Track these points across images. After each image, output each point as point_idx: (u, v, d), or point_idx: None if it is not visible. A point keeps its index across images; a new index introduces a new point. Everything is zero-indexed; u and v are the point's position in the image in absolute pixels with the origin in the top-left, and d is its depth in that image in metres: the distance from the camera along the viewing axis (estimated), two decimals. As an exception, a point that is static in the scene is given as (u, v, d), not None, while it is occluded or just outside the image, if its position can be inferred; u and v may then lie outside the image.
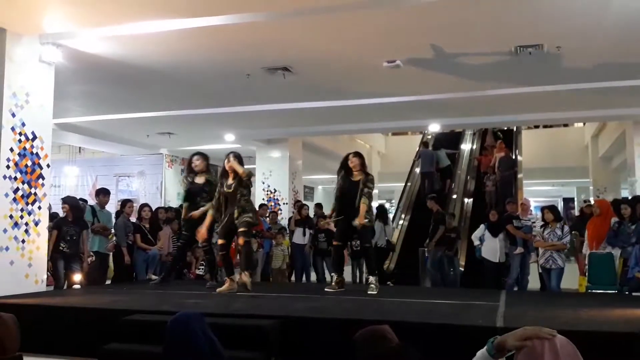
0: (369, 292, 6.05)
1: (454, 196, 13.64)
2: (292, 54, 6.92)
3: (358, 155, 6.47)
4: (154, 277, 8.48)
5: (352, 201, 6.29)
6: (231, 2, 5.46)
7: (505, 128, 16.12)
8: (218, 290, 6.26)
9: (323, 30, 6.15)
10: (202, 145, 12.88)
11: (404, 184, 15.18)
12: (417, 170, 14.44)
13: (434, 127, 11.91)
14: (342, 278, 6.53)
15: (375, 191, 18.17)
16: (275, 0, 5.42)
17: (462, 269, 10.47)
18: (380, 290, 6.16)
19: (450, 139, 15.70)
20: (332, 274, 6.67)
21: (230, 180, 6.28)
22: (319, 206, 12.08)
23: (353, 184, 6.34)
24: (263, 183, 13.25)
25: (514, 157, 14.67)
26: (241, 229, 6.13)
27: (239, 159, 6.32)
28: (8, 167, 6.01)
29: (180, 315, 2.50)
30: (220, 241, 6.46)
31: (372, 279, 6.32)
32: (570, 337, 1.71)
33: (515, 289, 8.63)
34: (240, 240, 6.16)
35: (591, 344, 3.02)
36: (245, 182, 6.26)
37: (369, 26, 6.04)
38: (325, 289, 6.40)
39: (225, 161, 6.31)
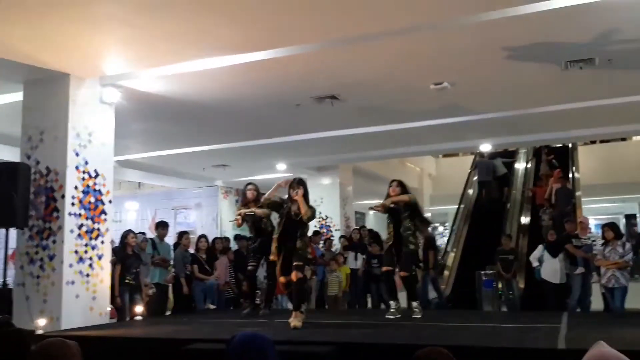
0: (413, 317, 6.22)
1: (510, 218, 13.37)
2: (339, 82, 7.04)
3: (399, 184, 6.63)
4: (212, 306, 8.65)
5: (397, 227, 6.42)
6: (278, 36, 5.62)
7: (560, 145, 15.77)
8: (293, 325, 5.67)
9: (369, 56, 6.25)
10: (255, 175, 13.13)
11: (457, 206, 15.01)
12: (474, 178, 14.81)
13: (486, 147, 11.76)
14: (399, 304, 6.57)
15: (427, 214, 18.09)
16: (321, 31, 5.56)
17: (521, 291, 10.23)
18: (438, 314, 6.12)
19: (504, 153, 15.46)
20: (390, 301, 6.64)
21: (296, 207, 5.95)
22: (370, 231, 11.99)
23: (395, 209, 6.47)
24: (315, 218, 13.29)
25: (570, 175, 14.30)
26: (296, 263, 5.83)
27: (304, 188, 6.04)
28: (73, 204, 6.30)
29: (246, 334, 2.52)
30: (282, 279, 6.09)
31: (414, 304, 6.44)
32: (636, 358, 1.70)
33: (578, 310, 8.36)
34: (294, 276, 5.82)
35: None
36: (306, 220, 6.01)
37: (414, 49, 6.09)
38: (387, 316, 6.41)
39: (293, 193, 5.97)
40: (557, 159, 14.55)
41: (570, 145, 15.61)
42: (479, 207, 14.31)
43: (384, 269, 6.65)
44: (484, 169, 14.02)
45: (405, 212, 6.43)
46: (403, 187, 6.57)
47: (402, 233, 6.39)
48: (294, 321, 5.70)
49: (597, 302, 8.60)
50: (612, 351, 1.79)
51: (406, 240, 6.35)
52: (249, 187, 7.28)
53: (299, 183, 6.05)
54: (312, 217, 6.01)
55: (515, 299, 9.90)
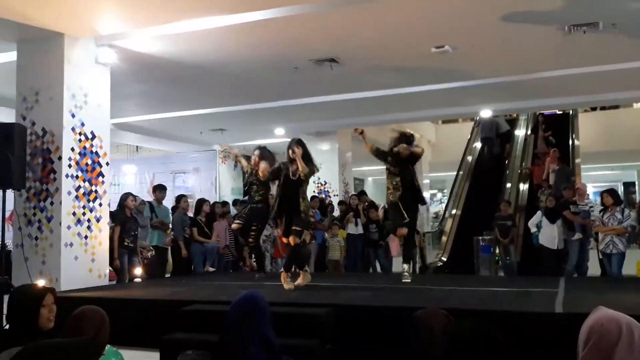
0: (403, 281, 6.02)
1: (508, 184, 13.36)
2: (338, 45, 6.93)
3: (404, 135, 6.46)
4: (211, 269, 8.70)
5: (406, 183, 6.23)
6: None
7: (560, 112, 15.66)
8: (295, 284, 5.84)
9: (369, 18, 6.13)
10: (253, 140, 13.03)
11: (455, 173, 14.99)
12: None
13: (486, 113, 11.67)
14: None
15: (426, 181, 18.07)
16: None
17: (519, 258, 10.28)
18: (435, 278, 6.12)
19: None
20: (403, 264, 6.44)
21: (294, 168, 5.93)
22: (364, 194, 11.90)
23: (404, 165, 6.28)
24: (313, 175, 13.28)
25: (570, 142, 14.24)
26: (295, 227, 5.85)
27: (303, 147, 6.00)
28: (70, 166, 6.27)
29: (247, 293, 2.56)
30: (284, 240, 6.12)
31: (405, 267, 6.26)
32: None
33: (575, 275, 8.41)
34: (292, 240, 5.87)
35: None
36: (305, 178, 6.00)
37: (414, 12, 5.98)
38: (403, 281, 6.12)
39: (290, 151, 5.94)
40: (556, 129, 14.46)
41: (571, 112, 15.51)
42: (480, 166, 14.51)
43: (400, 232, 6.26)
44: (487, 125, 14.28)
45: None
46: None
47: (414, 183, 6.27)
48: (301, 280, 5.89)
49: (594, 268, 8.65)
50: (616, 313, 1.77)
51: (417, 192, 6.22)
52: (255, 152, 7.03)
53: (298, 143, 6.00)
54: (311, 173, 5.99)
55: (512, 265, 9.97)
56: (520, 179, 13.26)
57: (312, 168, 5.98)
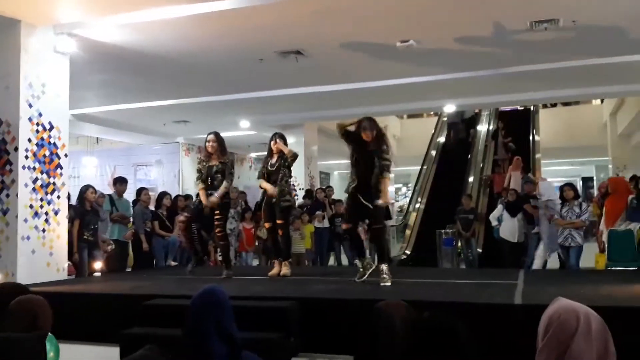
0: (381, 285, 5.29)
1: (471, 178, 13.55)
2: (304, 37, 6.90)
3: (370, 124, 5.48)
4: (173, 263, 8.58)
5: (366, 175, 5.49)
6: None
7: (521, 108, 15.95)
8: (270, 273, 6.22)
9: (334, 10, 6.11)
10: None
11: (419, 167, 15.14)
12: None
13: (450, 108, 11.81)
14: (368, 259, 5.94)
15: (391, 175, 18.23)
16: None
17: (480, 250, 10.45)
18: (398, 271, 6.14)
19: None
20: (356, 260, 6.26)
21: (274, 160, 6.35)
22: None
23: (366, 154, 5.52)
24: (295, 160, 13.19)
25: (530, 138, 14.51)
26: (280, 221, 6.22)
27: (283, 139, 6.43)
28: (27, 157, 6.09)
29: (207, 288, 2.54)
30: (266, 225, 6.48)
31: (383, 267, 5.46)
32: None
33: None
34: (280, 232, 6.26)
35: (612, 320, 3.00)
36: (289, 163, 6.33)
37: (380, 5, 5.99)
38: (356, 279, 5.59)
39: (272, 142, 6.37)
40: (516, 125, 14.66)
41: (532, 107, 15.82)
42: (446, 151, 14.87)
43: (345, 226, 6.00)
44: (452, 111, 14.53)
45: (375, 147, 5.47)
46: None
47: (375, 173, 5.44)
48: (284, 269, 6.20)
49: (552, 261, 8.84)
50: (574, 303, 1.81)
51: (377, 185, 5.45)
52: (209, 137, 6.53)
53: (281, 137, 6.44)
54: (295, 157, 6.33)
55: (474, 258, 10.13)
56: (480, 184, 13.37)
57: (295, 153, 6.35)
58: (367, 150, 5.50)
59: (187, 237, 6.83)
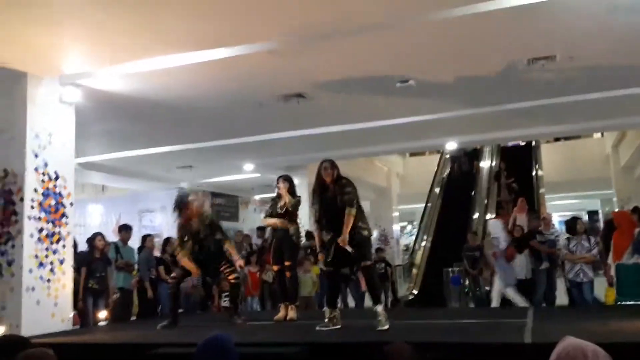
0: (378, 329, 5.02)
1: (475, 215, 13.54)
2: (304, 80, 7.00)
3: (331, 164, 5.48)
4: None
5: (336, 216, 5.26)
6: (241, 34, 5.55)
7: (523, 143, 16.02)
8: (276, 317, 6.26)
9: (333, 54, 6.22)
10: (222, 176, 12.99)
11: (424, 205, 15.14)
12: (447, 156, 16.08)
13: (451, 146, 11.88)
14: (336, 312, 5.47)
15: (395, 213, 18.20)
16: (283, 29, 5.49)
17: (488, 288, 10.34)
18: (406, 312, 6.08)
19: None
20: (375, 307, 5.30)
21: (282, 202, 6.41)
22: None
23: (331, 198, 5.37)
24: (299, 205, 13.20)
25: (533, 173, 14.53)
26: (288, 263, 6.26)
27: (289, 182, 6.47)
28: (32, 207, 6.12)
29: (213, 336, 2.53)
30: (274, 267, 6.47)
31: (378, 309, 5.18)
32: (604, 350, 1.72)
33: (543, 305, 8.49)
34: (288, 274, 6.30)
35: (622, 357, 2.96)
36: (292, 209, 6.42)
37: (379, 47, 6.08)
38: (317, 328, 5.30)
39: (277, 185, 6.48)
40: (518, 167, 14.58)
41: (533, 142, 15.90)
42: (451, 182, 15.00)
43: (325, 268, 5.69)
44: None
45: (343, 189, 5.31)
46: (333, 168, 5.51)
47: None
48: (291, 313, 6.21)
49: (561, 297, 8.74)
50: (581, 341, 1.82)
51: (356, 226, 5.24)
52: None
53: (285, 179, 6.49)
54: (297, 204, 6.41)
55: (482, 295, 10.01)
56: (487, 210, 13.41)
57: (297, 199, 6.44)
58: (332, 193, 5.34)
59: (173, 295, 6.59)
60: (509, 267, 8.66)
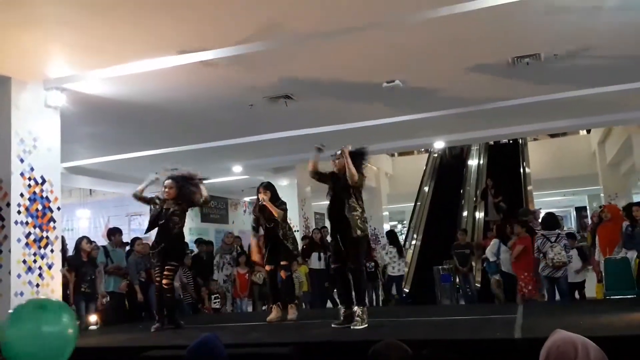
0: (352, 327, 5.13)
1: (465, 212, 13.59)
2: (292, 82, 6.99)
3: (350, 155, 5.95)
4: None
5: (341, 212, 5.50)
6: (227, 35, 5.54)
7: (510, 141, 16.12)
8: (268, 318, 6.23)
9: (320, 55, 6.23)
10: (211, 179, 12.88)
11: (413, 204, 15.18)
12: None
13: (439, 145, 11.91)
14: (351, 310, 5.44)
15: (385, 213, 18.24)
16: (270, 31, 5.48)
17: (479, 285, 10.40)
18: (397, 310, 6.09)
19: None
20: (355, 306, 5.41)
21: (267, 214, 6.38)
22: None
23: (341, 184, 5.70)
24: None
25: (521, 170, 14.61)
26: (284, 262, 6.29)
27: (271, 190, 6.44)
28: (19, 212, 6.07)
29: (202, 337, 2.53)
30: (267, 267, 6.44)
31: (358, 309, 5.26)
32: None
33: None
34: (283, 274, 6.32)
35: (612, 350, 2.99)
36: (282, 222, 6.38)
37: (365, 48, 6.10)
38: (333, 325, 5.44)
39: (259, 196, 6.41)
40: (505, 164, 14.61)
41: (520, 140, 16.00)
42: (444, 166, 15.85)
43: (333, 265, 5.83)
44: None
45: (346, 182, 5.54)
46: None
47: (348, 214, 5.41)
48: (291, 313, 6.21)
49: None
50: (572, 335, 1.83)
51: (354, 225, 5.36)
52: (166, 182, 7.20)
53: (266, 188, 6.45)
54: (285, 215, 6.40)
55: (472, 293, 10.06)
56: (475, 209, 13.43)
57: (284, 209, 6.39)
58: (342, 181, 5.66)
59: (158, 297, 6.61)
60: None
